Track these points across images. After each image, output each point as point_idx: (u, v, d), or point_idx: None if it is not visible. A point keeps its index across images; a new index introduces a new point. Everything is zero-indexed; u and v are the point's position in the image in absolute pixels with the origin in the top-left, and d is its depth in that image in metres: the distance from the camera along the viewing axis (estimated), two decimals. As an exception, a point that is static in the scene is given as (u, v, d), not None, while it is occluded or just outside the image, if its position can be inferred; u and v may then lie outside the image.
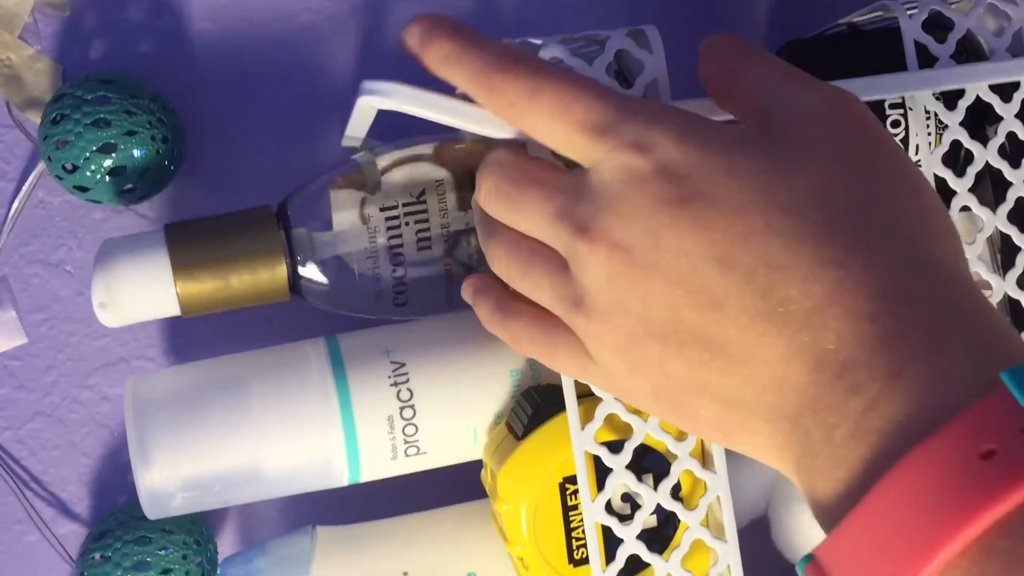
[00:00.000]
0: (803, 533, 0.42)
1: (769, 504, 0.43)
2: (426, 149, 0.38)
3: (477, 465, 0.39)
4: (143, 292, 0.36)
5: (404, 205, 0.38)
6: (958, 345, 0.26)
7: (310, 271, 0.38)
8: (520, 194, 0.31)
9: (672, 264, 0.28)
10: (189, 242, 0.37)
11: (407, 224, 0.37)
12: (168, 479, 0.36)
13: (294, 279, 0.38)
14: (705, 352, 0.28)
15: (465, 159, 0.38)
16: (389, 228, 0.37)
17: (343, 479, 0.38)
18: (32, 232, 0.42)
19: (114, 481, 0.43)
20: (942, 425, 0.24)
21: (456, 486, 0.40)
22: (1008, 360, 0.25)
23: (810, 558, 0.26)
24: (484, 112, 0.32)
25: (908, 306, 0.26)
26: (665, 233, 0.28)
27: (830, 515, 0.26)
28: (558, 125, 0.30)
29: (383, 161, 0.38)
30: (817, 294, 0.27)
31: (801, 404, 0.27)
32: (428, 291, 0.39)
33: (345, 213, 0.37)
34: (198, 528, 0.41)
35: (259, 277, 0.37)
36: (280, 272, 0.37)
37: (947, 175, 0.36)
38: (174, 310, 0.37)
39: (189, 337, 0.43)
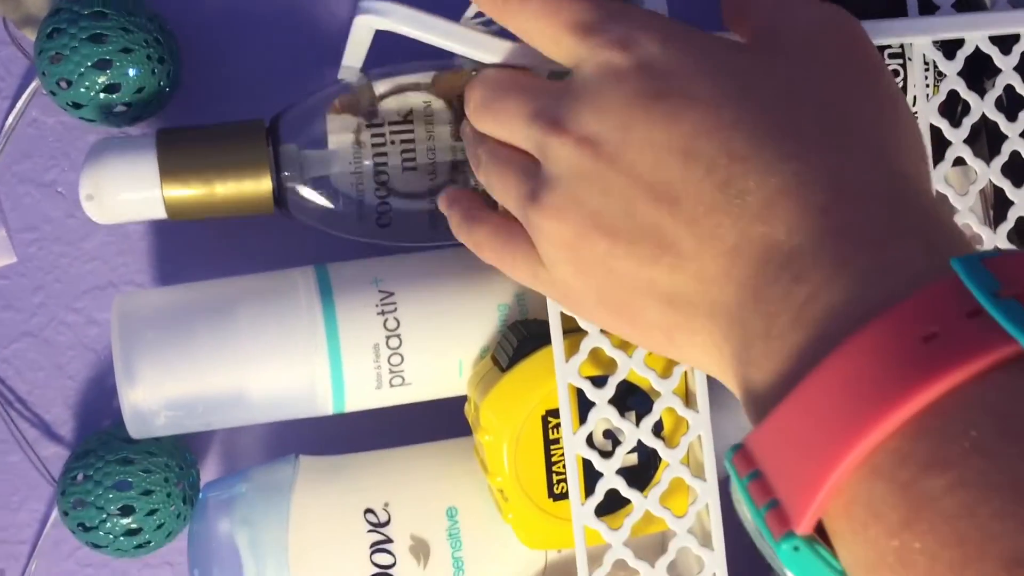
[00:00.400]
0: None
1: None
2: (424, 78, 0.38)
3: (460, 403, 0.39)
4: (130, 192, 0.36)
5: (391, 124, 0.37)
6: (909, 239, 0.26)
7: (295, 186, 0.38)
8: (504, 101, 0.32)
9: (637, 157, 0.28)
10: (178, 147, 0.37)
11: (392, 143, 0.37)
12: (152, 397, 0.36)
13: (279, 193, 0.38)
14: (656, 248, 0.28)
15: (463, 90, 0.37)
16: (375, 152, 0.37)
17: (327, 407, 0.38)
18: (24, 151, 0.42)
19: (99, 405, 0.43)
20: (884, 310, 0.24)
21: (440, 423, 0.40)
22: (959, 254, 0.24)
23: (739, 447, 0.26)
24: (479, 36, 0.32)
25: (863, 202, 0.26)
26: (636, 126, 0.29)
27: (762, 405, 0.26)
28: (547, 24, 0.31)
29: (380, 87, 0.38)
30: (773, 185, 0.27)
31: (743, 296, 0.27)
32: (411, 217, 0.39)
33: (339, 136, 0.37)
34: (181, 453, 0.41)
35: (244, 188, 0.37)
36: (265, 185, 0.37)
37: (943, 125, 0.36)
38: (160, 212, 0.37)
39: (178, 264, 0.43)
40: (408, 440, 0.41)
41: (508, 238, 0.33)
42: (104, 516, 0.39)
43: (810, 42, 0.29)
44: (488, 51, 0.33)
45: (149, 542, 0.39)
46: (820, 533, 0.24)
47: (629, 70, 0.29)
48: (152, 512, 0.39)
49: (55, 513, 0.42)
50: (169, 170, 0.37)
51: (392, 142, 0.37)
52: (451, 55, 0.39)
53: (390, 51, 0.37)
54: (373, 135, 0.37)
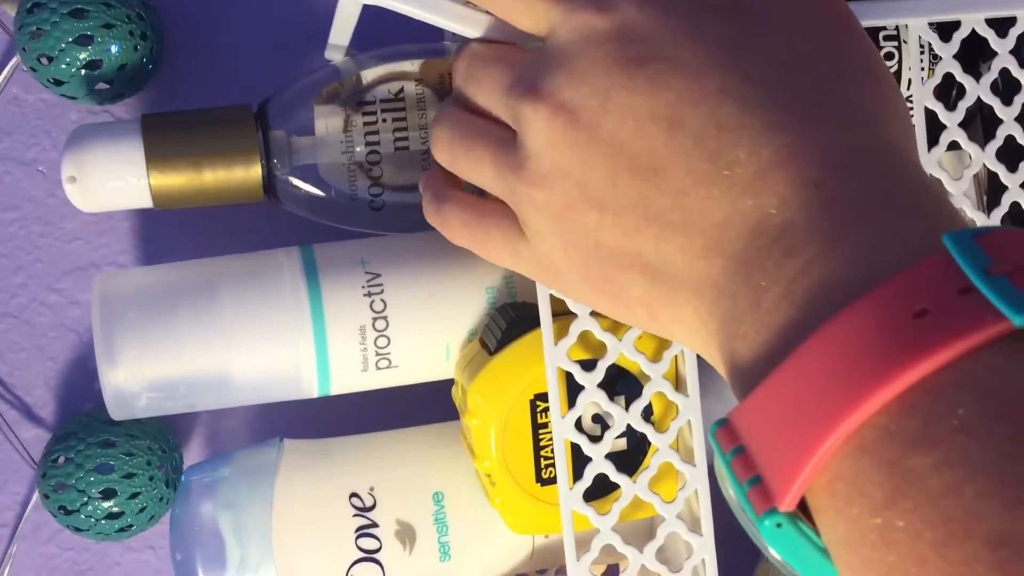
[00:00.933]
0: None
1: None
2: (412, 66, 0.38)
3: (448, 387, 0.39)
4: (115, 180, 0.36)
5: (382, 112, 0.37)
6: (901, 215, 0.25)
7: (285, 173, 0.37)
8: (484, 70, 0.31)
9: (618, 125, 0.28)
10: (165, 134, 0.36)
11: (384, 121, 0.37)
12: (133, 378, 0.35)
13: (269, 180, 0.37)
14: (642, 220, 0.28)
15: (451, 78, 0.37)
16: (367, 140, 0.37)
17: (313, 390, 0.37)
18: (5, 129, 0.41)
19: (81, 387, 0.42)
20: (875, 285, 0.23)
21: (427, 407, 0.40)
22: (951, 228, 0.24)
23: (723, 422, 0.25)
24: (466, 11, 0.32)
25: (855, 176, 0.26)
26: (616, 93, 0.28)
27: (749, 380, 0.25)
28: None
29: (368, 76, 0.37)
30: (764, 157, 0.26)
31: (732, 270, 0.26)
32: (404, 207, 0.38)
33: (328, 124, 0.37)
34: (164, 436, 0.40)
35: (234, 175, 0.36)
36: (255, 172, 0.37)
37: (938, 108, 0.36)
38: (146, 201, 0.36)
39: (162, 244, 0.42)
40: (394, 424, 0.40)
41: (482, 215, 0.32)
42: (85, 499, 0.38)
43: (794, 9, 0.29)
44: (475, 26, 0.32)
45: (131, 525, 0.39)
46: (803, 509, 0.24)
47: (606, 33, 0.28)
48: (134, 495, 0.39)
49: (36, 496, 0.42)
50: (156, 157, 0.36)
51: (383, 130, 0.37)
52: (438, 39, 0.38)
53: (378, 32, 0.36)
54: (365, 123, 0.37)
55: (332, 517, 0.38)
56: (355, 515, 0.38)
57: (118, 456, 0.38)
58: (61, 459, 0.39)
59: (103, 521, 0.38)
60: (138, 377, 0.35)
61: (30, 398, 0.42)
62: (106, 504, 0.38)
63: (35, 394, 0.42)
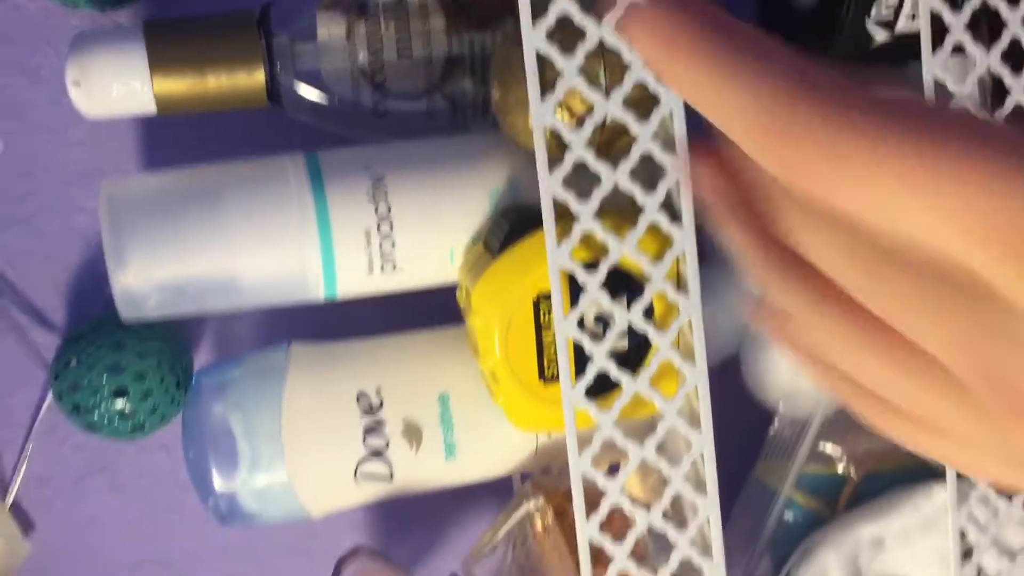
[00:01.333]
0: (775, 373, 0.43)
1: (741, 343, 0.43)
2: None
3: (453, 294, 0.39)
4: (119, 85, 0.36)
5: (384, 18, 0.37)
6: None
7: (288, 79, 0.37)
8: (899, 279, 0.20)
9: None
10: (168, 39, 0.36)
11: (386, 28, 0.37)
12: (142, 280, 0.36)
13: (272, 86, 0.37)
14: None
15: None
16: (370, 46, 0.37)
17: (319, 292, 0.38)
18: (7, 36, 0.41)
19: (90, 291, 0.43)
20: None
21: (432, 314, 0.41)
22: None
23: None
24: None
25: None
26: None
27: None
28: (931, 204, 0.17)
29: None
30: None
31: None
32: (408, 115, 0.38)
33: (331, 31, 0.37)
34: (174, 338, 0.41)
35: (237, 81, 0.37)
36: (258, 78, 0.37)
37: (943, 9, 0.35)
38: (149, 106, 0.36)
39: (167, 152, 0.42)
40: (401, 330, 0.41)
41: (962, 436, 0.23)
42: (98, 399, 0.39)
43: None
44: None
45: (143, 425, 0.40)
46: None
47: None
48: (146, 396, 0.39)
49: (49, 398, 0.42)
50: (159, 63, 0.36)
51: (386, 37, 0.37)
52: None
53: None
54: (368, 30, 0.37)
55: (340, 416, 0.38)
56: (362, 415, 0.38)
57: (129, 357, 0.39)
58: (73, 361, 0.39)
59: (116, 420, 0.39)
60: (147, 278, 0.36)
61: (41, 303, 0.43)
62: (119, 403, 0.39)
63: (46, 299, 0.43)
